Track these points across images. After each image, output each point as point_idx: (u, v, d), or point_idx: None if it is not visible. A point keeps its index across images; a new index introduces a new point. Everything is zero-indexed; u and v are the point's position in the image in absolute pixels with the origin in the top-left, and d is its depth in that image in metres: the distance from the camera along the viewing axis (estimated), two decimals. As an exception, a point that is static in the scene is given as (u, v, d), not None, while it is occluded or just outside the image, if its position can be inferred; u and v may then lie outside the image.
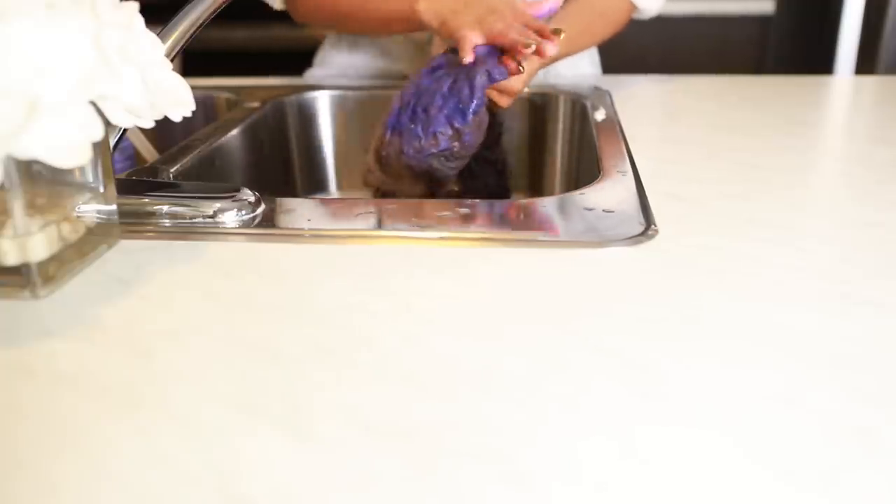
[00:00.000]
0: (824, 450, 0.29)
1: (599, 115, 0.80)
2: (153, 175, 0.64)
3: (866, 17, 1.75)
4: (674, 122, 0.81)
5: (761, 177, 0.60)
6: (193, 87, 0.47)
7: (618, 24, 0.91)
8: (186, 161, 0.69)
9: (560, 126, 0.90)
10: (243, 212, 0.53)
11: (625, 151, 0.66)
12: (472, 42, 0.66)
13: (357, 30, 0.94)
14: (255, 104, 0.89)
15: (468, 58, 0.66)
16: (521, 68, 0.65)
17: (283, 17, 0.98)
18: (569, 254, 0.46)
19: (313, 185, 0.97)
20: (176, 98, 0.46)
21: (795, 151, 0.68)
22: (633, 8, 0.91)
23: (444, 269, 0.45)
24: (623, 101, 0.87)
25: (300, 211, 0.54)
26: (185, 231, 0.51)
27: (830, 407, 0.32)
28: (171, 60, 0.53)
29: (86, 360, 0.36)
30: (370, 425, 0.31)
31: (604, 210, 0.53)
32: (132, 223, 0.51)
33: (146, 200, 0.53)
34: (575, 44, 0.85)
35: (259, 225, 0.52)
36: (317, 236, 0.50)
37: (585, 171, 0.80)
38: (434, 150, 0.68)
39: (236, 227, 0.51)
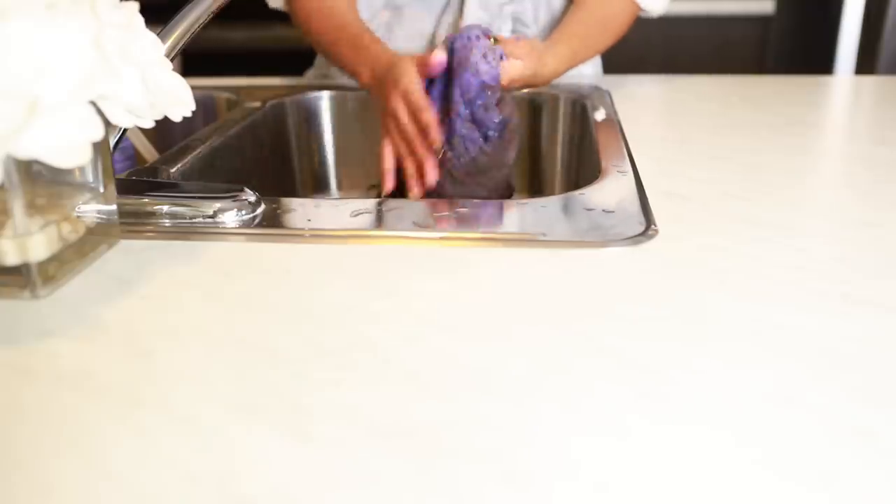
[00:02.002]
0: (824, 449, 0.29)
1: (599, 115, 0.79)
2: (153, 175, 0.64)
3: (866, 17, 1.75)
4: (674, 122, 0.81)
5: (761, 177, 0.60)
6: (193, 87, 0.47)
7: (620, 31, 0.91)
8: (186, 161, 0.69)
9: (560, 126, 0.90)
10: (243, 212, 0.53)
11: (625, 151, 0.66)
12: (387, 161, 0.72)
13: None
14: (255, 104, 0.89)
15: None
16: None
17: (283, 17, 0.98)
18: (569, 254, 0.46)
19: (313, 185, 0.97)
20: (176, 98, 0.46)
21: (795, 151, 0.68)
22: (638, 9, 0.91)
23: (444, 269, 0.45)
24: (623, 101, 0.87)
25: (300, 211, 0.54)
26: (185, 231, 0.51)
27: (830, 407, 0.32)
28: (171, 60, 0.53)
29: (86, 360, 0.36)
30: (370, 425, 0.31)
31: (604, 210, 0.53)
32: (132, 223, 0.51)
33: (146, 200, 0.53)
34: (578, 57, 0.85)
35: (259, 225, 0.52)
36: (317, 236, 0.50)
37: (585, 171, 0.80)
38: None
39: (236, 227, 0.51)
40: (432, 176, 0.68)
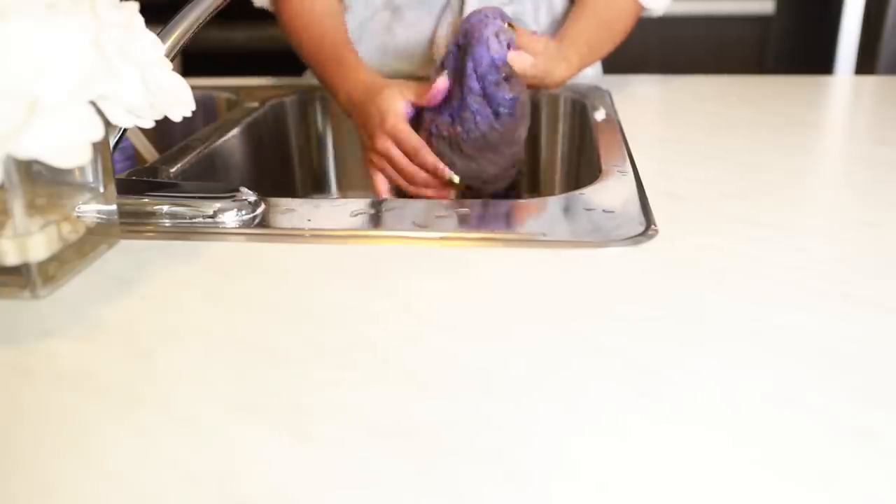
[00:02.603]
0: (824, 449, 0.29)
1: (599, 115, 0.79)
2: (153, 175, 0.64)
3: (866, 17, 1.75)
4: (674, 122, 0.81)
5: (761, 177, 0.60)
6: (193, 87, 0.47)
7: (625, 32, 0.90)
8: (186, 161, 0.69)
9: (560, 126, 0.90)
10: (243, 212, 0.53)
11: (625, 151, 0.66)
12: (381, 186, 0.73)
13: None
14: (255, 104, 0.89)
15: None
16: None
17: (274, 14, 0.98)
18: (569, 254, 0.46)
19: (313, 185, 0.97)
20: (176, 98, 0.46)
21: (795, 151, 0.68)
22: (641, 9, 0.91)
23: (444, 269, 0.45)
24: (623, 101, 0.87)
25: (300, 211, 0.54)
26: (185, 231, 0.51)
27: (830, 407, 0.32)
28: (171, 60, 0.53)
29: (86, 360, 0.36)
30: (370, 425, 0.31)
31: (604, 210, 0.53)
32: (132, 223, 0.51)
33: (146, 200, 0.53)
34: (586, 63, 0.83)
35: (259, 225, 0.52)
36: (317, 236, 0.50)
37: (585, 171, 0.80)
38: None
39: (236, 227, 0.51)
40: (435, 195, 0.69)
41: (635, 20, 0.91)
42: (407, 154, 0.69)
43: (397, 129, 0.68)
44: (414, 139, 0.68)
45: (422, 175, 0.70)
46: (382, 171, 0.72)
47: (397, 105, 0.69)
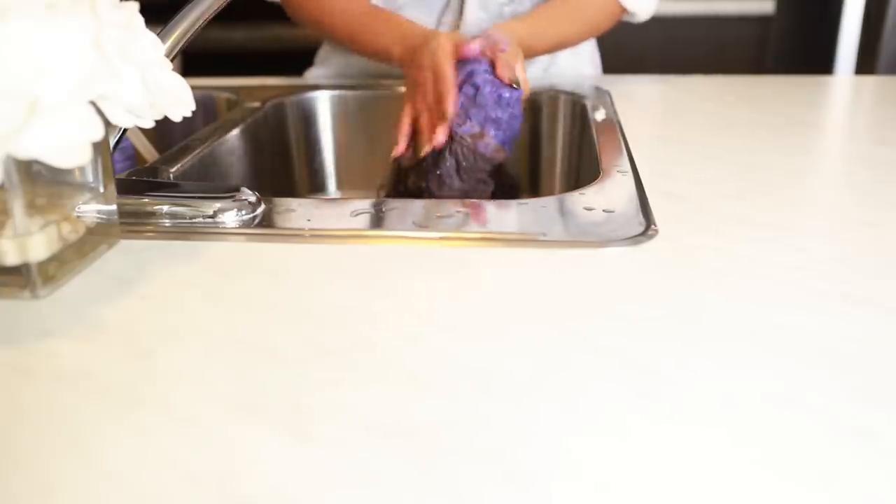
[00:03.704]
0: (824, 449, 0.29)
1: (599, 115, 0.80)
2: (153, 175, 0.64)
3: (866, 17, 1.75)
4: (674, 122, 0.81)
5: (761, 177, 0.60)
6: (193, 87, 0.47)
7: (599, 24, 0.92)
8: (186, 161, 0.69)
9: (560, 126, 0.90)
10: (243, 212, 0.53)
11: (625, 151, 0.66)
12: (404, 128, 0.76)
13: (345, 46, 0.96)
14: (255, 104, 0.89)
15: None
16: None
17: (283, 16, 0.98)
18: (569, 254, 0.46)
19: (313, 185, 0.97)
20: (176, 98, 0.46)
21: (795, 151, 0.68)
22: (621, 10, 0.91)
23: (444, 269, 0.45)
24: (623, 101, 0.87)
25: (300, 211, 0.54)
26: (185, 231, 0.51)
27: (830, 407, 0.32)
28: (171, 60, 0.53)
29: (86, 360, 0.36)
30: (370, 425, 0.31)
31: (604, 210, 0.53)
32: (132, 223, 0.51)
33: (146, 200, 0.53)
34: (546, 39, 0.87)
35: (259, 225, 0.52)
36: (317, 236, 0.50)
37: (585, 171, 0.80)
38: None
39: (236, 227, 0.51)
40: (441, 136, 0.71)
41: (613, 18, 0.92)
42: (435, 80, 0.72)
43: (439, 63, 0.71)
44: (448, 71, 0.71)
45: (434, 108, 0.72)
46: (412, 102, 0.75)
47: (448, 47, 0.72)
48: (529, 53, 0.82)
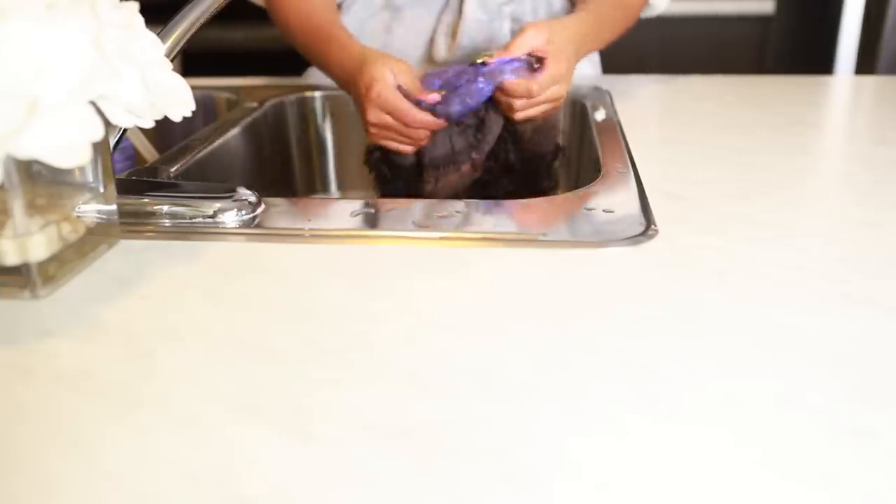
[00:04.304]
0: (824, 449, 0.29)
1: (599, 115, 0.79)
2: (153, 175, 0.64)
3: (866, 17, 1.75)
4: (674, 122, 0.81)
5: (761, 177, 0.60)
6: (193, 87, 0.47)
7: (633, 18, 0.89)
8: (186, 161, 0.69)
9: (560, 126, 0.90)
10: (243, 212, 0.53)
11: (625, 151, 0.66)
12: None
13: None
14: (255, 104, 0.89)
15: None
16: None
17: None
18: (569, 254, 0.46)
19: (313, 185, 0.97)
20: (176, 98, 0.46)
21: (795, 151, 0.68)
22: (645, 2, 0.90)
23: (443, 269, 0.45)
24: (623, 101, 0.87)
25: (300, 211, 0.54)
26: (185, 231, 0.51)
27: (830, 407, 0.32)
28: (171, 60, 0.53)
29: (86, 360, 0.36)
30: (370, 425, 0.31)
31: (604, 210, 0.53)
32: (132, 223, 0.51)
33: (146, 200, 0.53)
34: (599, 39, 0.82)
35: (259, 225, 0.52)
36: (317, 236, 0.50)
37: (585, 171, 0.80)
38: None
39: (236, 227, 0.51)
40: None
41: (640, 9, 0.90)
42: (399, 119, 0.68)
43: (383, 98, 0.67)
44: (400, 103, 0.67)
45: (421, 133, 0.69)
46: (385, 140, 0.71)
47: (385, 74, 0.68)
48: (581, 58, 0.78)
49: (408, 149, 0.71)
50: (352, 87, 0.72)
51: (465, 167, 0.73)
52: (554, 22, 0.73)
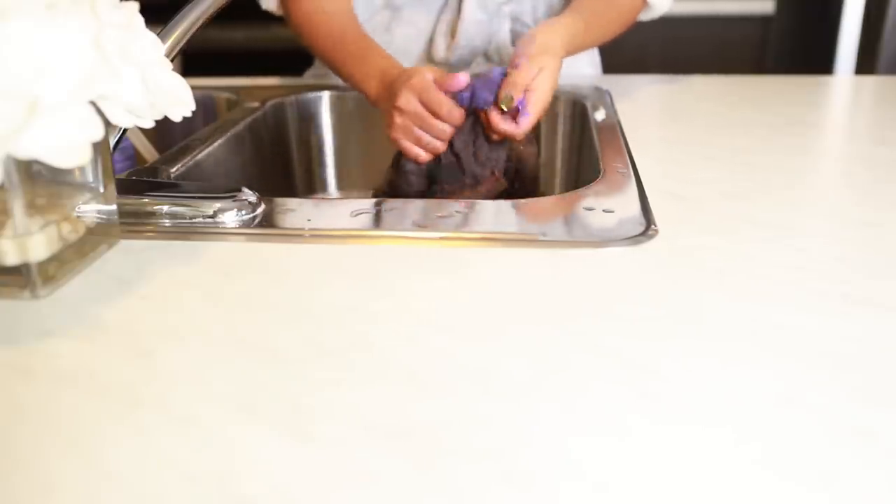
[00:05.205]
0: (824, 449, 0.29)
1: (599, 115, 0.79)
2: (153, 175, 0.64)
3: (866, 17, 1.75)
4: (674, 122, 0.81)
5: (761, 177, 0.60)
6: (193, 87, 0.47)
7: (629, 19, 0.89)
8: (186, 161, 0.69)
9: (560, 126, 0.90)
10: (243, 212, 0.53)
11: (625, 151, 0.66)
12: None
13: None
14: (255, 104, 0.89)
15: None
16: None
17: (282, 17, 0.98)
18: (569, 254, 0.46)
19: (313, 185, 0.97)
20: (176, 98, 0.46)
21: (795, 151, 0.68)
22: (644, 4, 0.90)
23: (443, 269, 0.45)
24: (623, 101, 0.87)
25: (300, 211, 0.54)
26: (185, 231, 0.51)
27: (830, 407, 0.32)
28: (171, 60, 0.53)
29: (86, 360, 0.36)
30: (370, 425, 0.31)
31: (604, 210, 0.53)
32: (132, 223, 0.51)
33: (146, 200, 0.53)
34: (590, 36, 0.82)
35: (259, 225, 0.52)
36: (317, 236, 0.50)
37: (585, 171, 0.80)
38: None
39: (236, 227, 0.51)
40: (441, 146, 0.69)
41: (637, 12, 0.90)
42: (432, 108, 0.68)
43: (420, 85, 0.68)
44: (435, 92, 0.67)
45: (448, 130, 0.69)
46: (406, 134, 0.70)
47: (426, 71, 0.69)
48: (572, 53, 0.77)
49: (424, 155, 0.71)
50: (389, 91, 0.72)
51: (482, 188, 0.73)
52: (543, 21, 0.74)
